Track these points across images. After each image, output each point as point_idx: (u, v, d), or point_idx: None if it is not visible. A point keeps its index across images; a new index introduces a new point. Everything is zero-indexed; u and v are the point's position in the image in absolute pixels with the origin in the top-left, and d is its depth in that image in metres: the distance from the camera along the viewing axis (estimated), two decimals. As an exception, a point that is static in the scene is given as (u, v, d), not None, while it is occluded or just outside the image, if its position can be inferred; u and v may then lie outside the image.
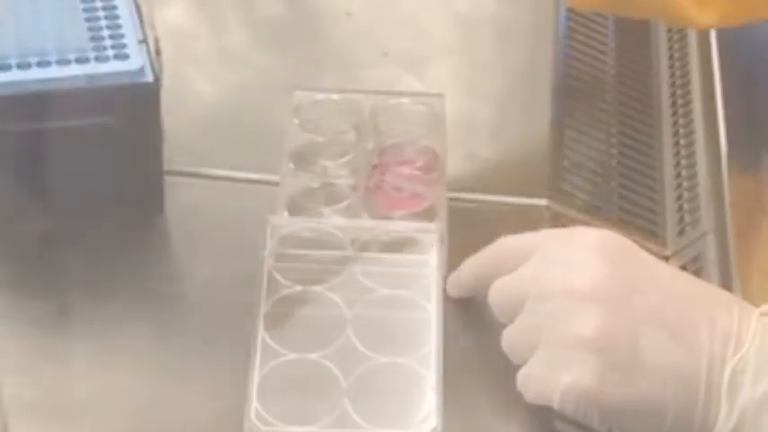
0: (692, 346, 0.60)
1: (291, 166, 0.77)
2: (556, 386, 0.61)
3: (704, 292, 0.63)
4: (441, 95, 0.81)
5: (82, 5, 0.76)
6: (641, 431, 0.61)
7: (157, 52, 0.83)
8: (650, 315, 0.61)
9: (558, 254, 0.63)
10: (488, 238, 0.75)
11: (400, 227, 0.73)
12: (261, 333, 0.67)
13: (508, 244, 0.66)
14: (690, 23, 0.81)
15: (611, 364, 0.60)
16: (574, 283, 0.61)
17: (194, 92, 0.86)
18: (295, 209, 0.76)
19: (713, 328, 0.60)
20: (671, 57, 0.91)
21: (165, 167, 0.76)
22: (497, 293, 0.65)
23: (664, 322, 0.60)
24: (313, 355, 0.66)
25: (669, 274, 0.63)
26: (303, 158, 0.79)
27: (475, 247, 0.74)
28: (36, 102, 0.71)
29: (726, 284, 0.73)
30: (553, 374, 0.61)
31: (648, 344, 0.60)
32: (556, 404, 0.62)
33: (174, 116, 0.79)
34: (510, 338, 0.64)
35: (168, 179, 0.77)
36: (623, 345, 0.60)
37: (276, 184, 0.77)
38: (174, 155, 0.78)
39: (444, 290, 0.70)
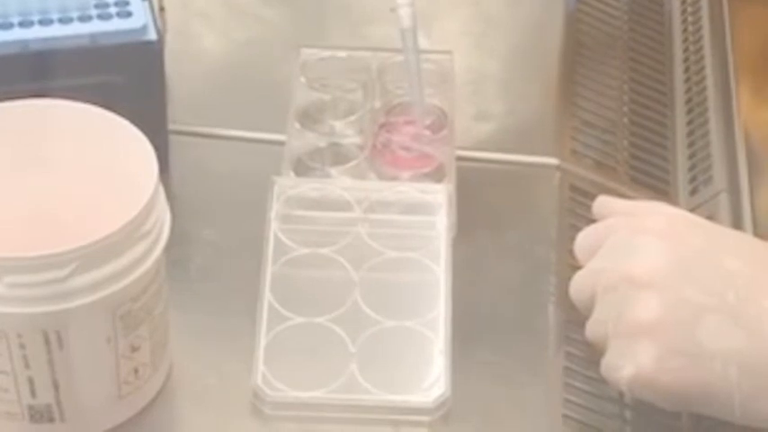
0: (756, 331, 0.59)
1: (297, 125, 0.76)
2: (622, 375, 0.61)
3: None
4: (449, 52, 0.80)
5: (84, -38, 0.75)
6: (713, 415, 0.61)
7: (161, 8, 0.82)
8: (710, 300, 0.60)
9: (625, 242, 0.63)
10: (498, 198, 0.74)
11: (408, 188, 0.72)
12: (267, 296, 0.67)
13: (582, 239, 0.67)
14: None
15: (671, 350, 0.60)
16: (633, 272, 0.61)
17: (199, 48, 0.84)
18: (301, 169, 0.75)
19: None
20: (684, 12, 0.90)
21: (170, 127, 0.75)
22: (573, 290, 0.66)
23: (725, 307, 0.60)
24: (320, 319, 0.66)
25: (735, 252, 0.62)
26: (310, 117, 0.77)
27: (485, 207, 0.73)
28: (38, 61, 0.70)
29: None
30: (619, 363, 0.61)
31: (708, 330, 0.59)
32: (625, 392, 0.62)
33: (178, 73, 0.78)
34: (589, 331, 0.65)
35: (172, 138, 0.76)
36: (682, 331, 0.60)
37: (282, 143, 0.76)
38: (178, 113, 0.77)
39: (452, 251, 0.69)
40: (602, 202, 0.68)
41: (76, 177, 0.61)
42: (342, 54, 0.80)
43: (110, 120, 0.61)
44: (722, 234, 0.64)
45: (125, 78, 0.71)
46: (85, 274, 0.56)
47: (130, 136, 0.60)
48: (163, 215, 0.59)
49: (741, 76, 0.82)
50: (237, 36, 0.85)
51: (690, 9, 0.90)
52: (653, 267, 0.61)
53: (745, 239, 0.65)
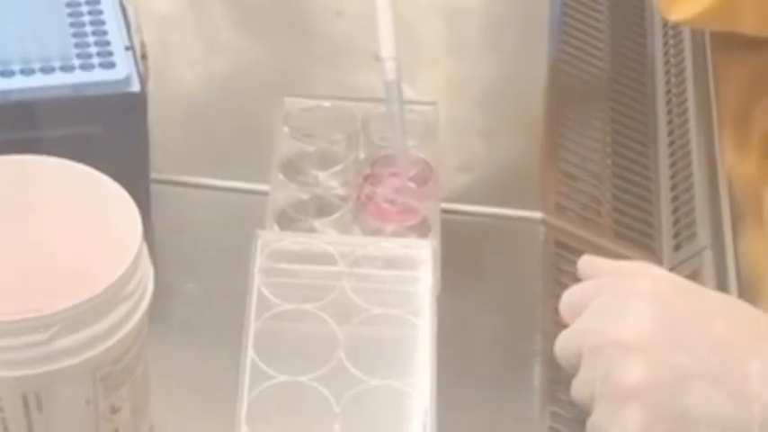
0: (741, 394, 0.59)
1: (281, 176, 0.76)
2: None
3: (760, 330, 0.61)
4: (433, 104, 0.80)
5: (67, 10, 0.74)
6: None
7: (143, 55, 0.81)
8: (696, 364, 0.60)
9: (611, 303, 0.63)
10: (483, 253, 0.74)
11: (393, 243, 0.71)
12: (250, 353, 0.66)
13: (568, 297, 0.66)
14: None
15: (658, 415, 0.59)
16: (621, 335, 0.61)
17: (181, 94, 0.84)
18: (285, 221, 0.74)
19: (766, 373, 0.59)
20: (667, 63, 0.90)
21: (151, 176, 0.75)
22: (559, 348, 0.65)
23: (710, 371, 0.59)
24: (304, 378, 0.65)
25: (721, 315, 0.62)
26: (293, 168, 0.77)
27: (470, 262, 0.73)
28: (20, 111, 0.70)
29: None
30: (606, 427, 0.61)
31: (694, 395, 0.59)
32: None
33: (159, 119, 0.77)
34: (575, 391, 0.64)
35: (154, 187, 0.75)
36: (668, 396, 0.60)
37: (265, 193, 0.76)
38: (159, 161, 0.76)
39: (437, 306, 0.69)
40: (588, 262, 0.68)
41: (58, 236, 0.61)
42: (326, 104, 0.80)
43: (93, 177, 0.60)
44: (708, 297, 0.64)
45: (107, 129, 0.71)
46: (67, 337, 0.55)
47: (114, 194, 0.60)
48: (146, 275, 0.58)
49: (725, 129, 0.82)
50: (221, 82, 0.85)
51: (673, 60, 0.90)
52: (640, 331, 0.61)
53: (732, 303, 0.65)
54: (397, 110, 0.74)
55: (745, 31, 0.81)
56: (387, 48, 0.74)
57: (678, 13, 0.80)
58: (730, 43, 0.84)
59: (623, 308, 0.62)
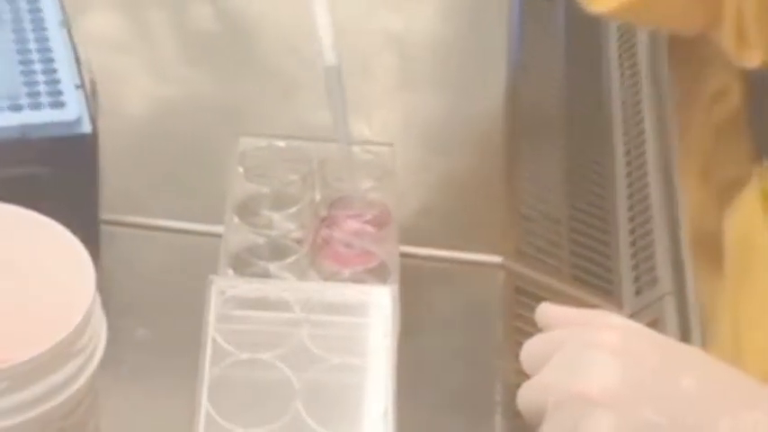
0: None
1: (236, 219, 0.74)
2: None
3: (729, 386, 0.60)
4: (390, 145, 0.78)
5: (15, 47, 0.72)
6: None
7: (94, 93, 0.79)
8: (665, 421, 0.58)
9: (575, 355, 0.61)
10: (442, 298, 0.73)
11: (351, 289, 0.70)
12: (204, 404, 0.64)
13: (529, 348, 0.64)
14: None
15: None
16: (587, 390, 0.59)
17: (131, 131, 0.82)
18: (239, 265, 0.72)
19: (736, 431, 0.58)
20: (624, 102, 0.89)
21: (101, 216, 0.73)
22: (521, 402, 0.63)
23: (679, 429, 0.58)
24: (260, 430, 0.63)
25: (690, 370, 0.60)
26: (247, 210, 0.75)
27: (429, 307, 0.72)
28: (-35, 151, 0.68)
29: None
30: None
31: None
32: None
33: (109, 158, 0.75)
34: None
35: (103, 228, 0.73)
36: None
37: (219, 235, 0.74)
38: (109, 202, 0.74)
39: (396, 354, 0.67)
40: (546, 310, 0.66)
41: (4, 287, 0.58)
42: (281, 143, 0.78)
43: (42, 224, 0.58)
44: (675, 350, 0.63)
45: (57, 171, 0.69)
46: (15, 394, 0.53)
47: (65, 243, 0.58)
48: (99, 328, 0.56)
49: (684, 171, 0.81)
50: (173, 118, 0.83)
51: (630, 101, 0.89)
52: (607, 385, 0.59)
53: (699, 356, 0.64)
54: (339, 98, 0.72)
55: (662, 27, 0.82)
56: (325, 36, 0.73)
57: (599, 5, 0.79)
58: (690, 91, 0.85)
59: (588, 360, 0.61)
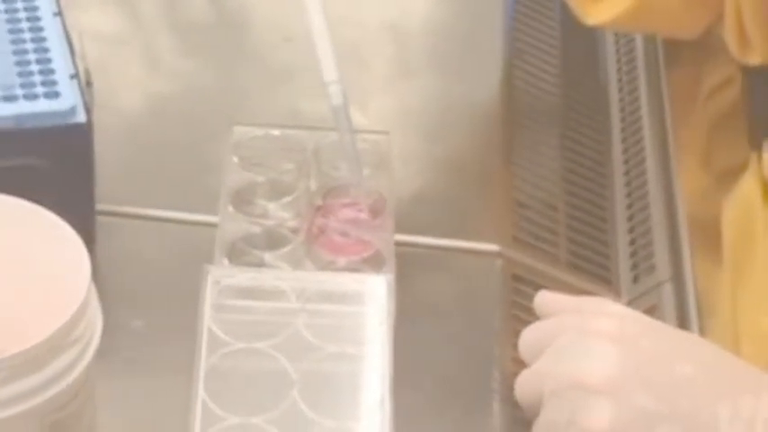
0: None
1: (231, 209, 0.74)
2: None
3: (729, 373, 0.60)
4: (386, 133, 0.78)
5: (9, 37, 0.72)
6: None
7: (88, 83, 0.79)
8: (663, 408, 0.58)
9: (573, 343, 0.61)
10: (439, 286, 0.72)
11: (347, 278, 0.69)
12: (201, 394, 0.64)
13: (527, 336, 0.65)
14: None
15: None
16: (585, 378, 0.59)
17: (126, 122, 0.81)
18: (235, 255, 0.72)
19: (735, 417, 0.57)
20: (621, 90, 0.89)
21: (96, 207, 0.72)
22: (519, 390, 0.63)
23: (678, 416, 0.58)
24: (256, 419, 0.63)
25: (688, 356, 0.60)
26: (243, 199, 0.75)
27: (425, 295, 0.71)
28: (-41, 142, 0.67)
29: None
30: None
31: None
32: None
33: (104, 149, 0.75)
34: None
35: (98, 219, 0.73)
36: None
37: (214, 225, 0.73)
38: (104, 192, 0.74)
39: (392, 343, 0.67)
40: (545, 298, 0.67)
41: (0, 277, 0.58)
42: (276, 132, 0.78)
43: (38, 214, 0.58)
44: (673, 337, 0.63)
45: (51, 161, 0.68)
46: (11, 385, 0.52)
47: (61, 233, 0.57)
48: (95, 318, 0.56)
49: (682, 157, 0.81)
50: (168, 108, 0.83)
51: (627, 88, 0.89)
52: (605, 373, 0.59)
53: (696, 342, 0.64)
54: (348, 137, 0.72)
55: (660, 34, 0.83)
56: (328, 71, 0.73)
57: (594, 18, 0.80)
58: (688, 76, 0.84)
59: (586, 348, 0.61)
